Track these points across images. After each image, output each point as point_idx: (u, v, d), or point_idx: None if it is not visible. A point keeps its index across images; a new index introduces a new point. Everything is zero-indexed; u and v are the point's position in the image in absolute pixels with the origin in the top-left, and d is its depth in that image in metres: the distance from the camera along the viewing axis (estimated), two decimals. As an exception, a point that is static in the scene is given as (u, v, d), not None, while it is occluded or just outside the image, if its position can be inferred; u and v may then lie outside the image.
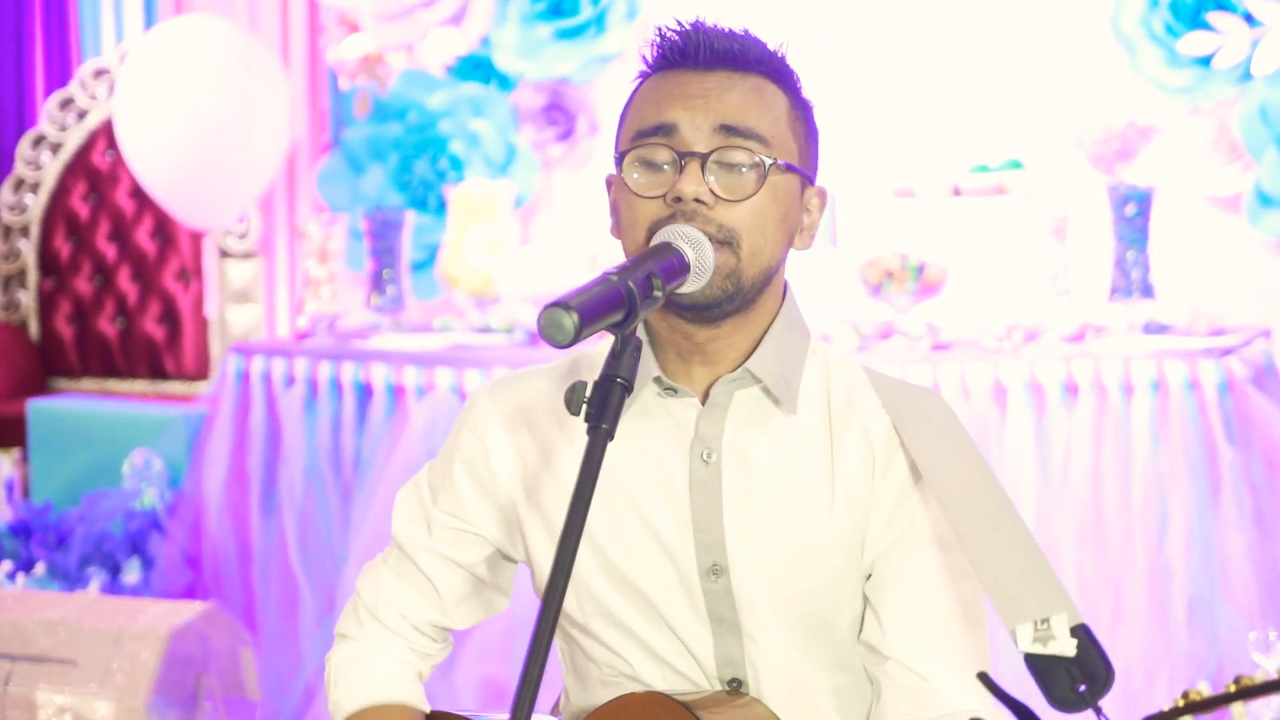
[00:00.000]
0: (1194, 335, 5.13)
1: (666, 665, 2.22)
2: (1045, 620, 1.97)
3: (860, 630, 2.20)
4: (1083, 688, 1.92)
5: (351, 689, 2.35)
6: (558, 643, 2.38)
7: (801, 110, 2.17)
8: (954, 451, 2.16)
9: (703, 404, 2.17)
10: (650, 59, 2.19)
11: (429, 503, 2.35)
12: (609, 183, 2.24)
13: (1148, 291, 5.36)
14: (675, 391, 2.16)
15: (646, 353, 2.15)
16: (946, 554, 2.14)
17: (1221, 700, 1.96)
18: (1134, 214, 5.49)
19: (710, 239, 2.03)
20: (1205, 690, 1.97)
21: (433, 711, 2.38)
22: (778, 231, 2.12)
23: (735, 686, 2.21)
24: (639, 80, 2.22)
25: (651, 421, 2.19)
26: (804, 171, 2.17)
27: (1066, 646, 1.94)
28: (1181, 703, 1.98)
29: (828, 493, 2.17)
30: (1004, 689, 1.91)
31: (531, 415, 2.30)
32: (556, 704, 2.47)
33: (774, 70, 2.15)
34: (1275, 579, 4.81)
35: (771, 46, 2.18)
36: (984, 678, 1.92)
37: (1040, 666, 1.94)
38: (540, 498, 2.26)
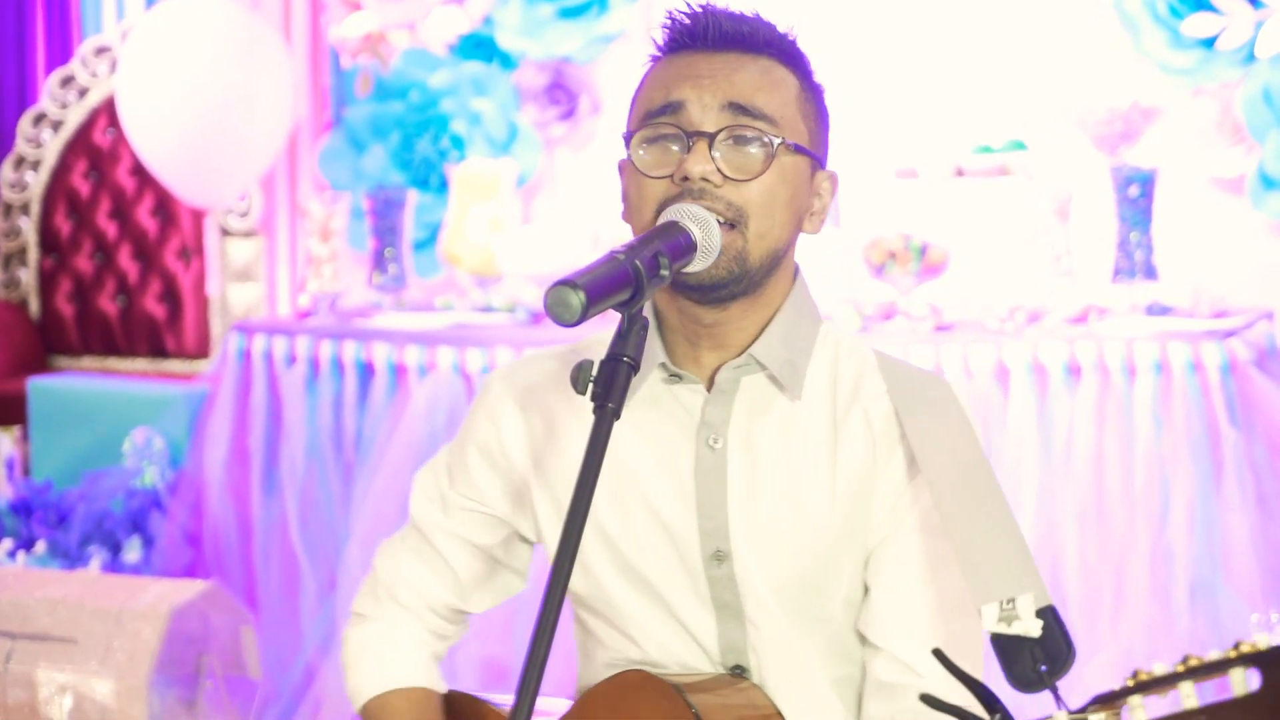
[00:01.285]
0: (1197, 317, 5.16)
1: (671, 650, 2.23)
2: (1011, 600, 1.97)
3: (858, 619, 2.22)
4: (1044, 668, 1.91)
5: (370, 674, 2.36)
6: (575, 626, 2.41)
7: (812, 93, 2.16)
8: (951, 437, 2.16)
9: (709, 390, 2.17)
10: (660, 42, 2.18)
11: (445, 485, 2.35)
12: (621, 168, 2.20)
13: (1151, 273, 5.40)
14: (681, 378, 2.16)
15: (654, 339, 2.15)
16: (938, 542, 2.15)
17: (1170, 680, 1.82)
18: (1137, 195, 5.50)
19: (718, 218, 2.02)
20: (1158, 670, 1.83)
21: (449, 692, 2.40)
22: (786, 213, 2.11)
23: (739, 672, 2.22)
24: (649, 64, 2.21)
25: (658, 408, 2.19)
26: (814, 154, 2.16)
27: (1031, 627, 1.94)
28: (1131, 683, 1.83)
29: (830, 481, 2.17)
30: (958, 667, 1.86)
31: (542, 396, 2.30)
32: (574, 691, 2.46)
33: (784, 53, 2.14)
34: (1277, 561, 4.83)
35: (782, 29, 2.17)
36: (938, 654, 1.86)
37: (1004, 646, 1.94)
38: (550, 477, 2.26)
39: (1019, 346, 4.94)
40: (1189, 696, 1.77)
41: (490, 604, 2.44)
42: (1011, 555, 2.03)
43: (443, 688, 2.41)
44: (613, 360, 1.80)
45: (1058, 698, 1.83)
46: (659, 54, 2.19)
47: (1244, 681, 1.73)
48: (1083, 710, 1.76)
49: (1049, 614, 1.93)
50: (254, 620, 5.00)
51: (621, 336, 1.83)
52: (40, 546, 5.85)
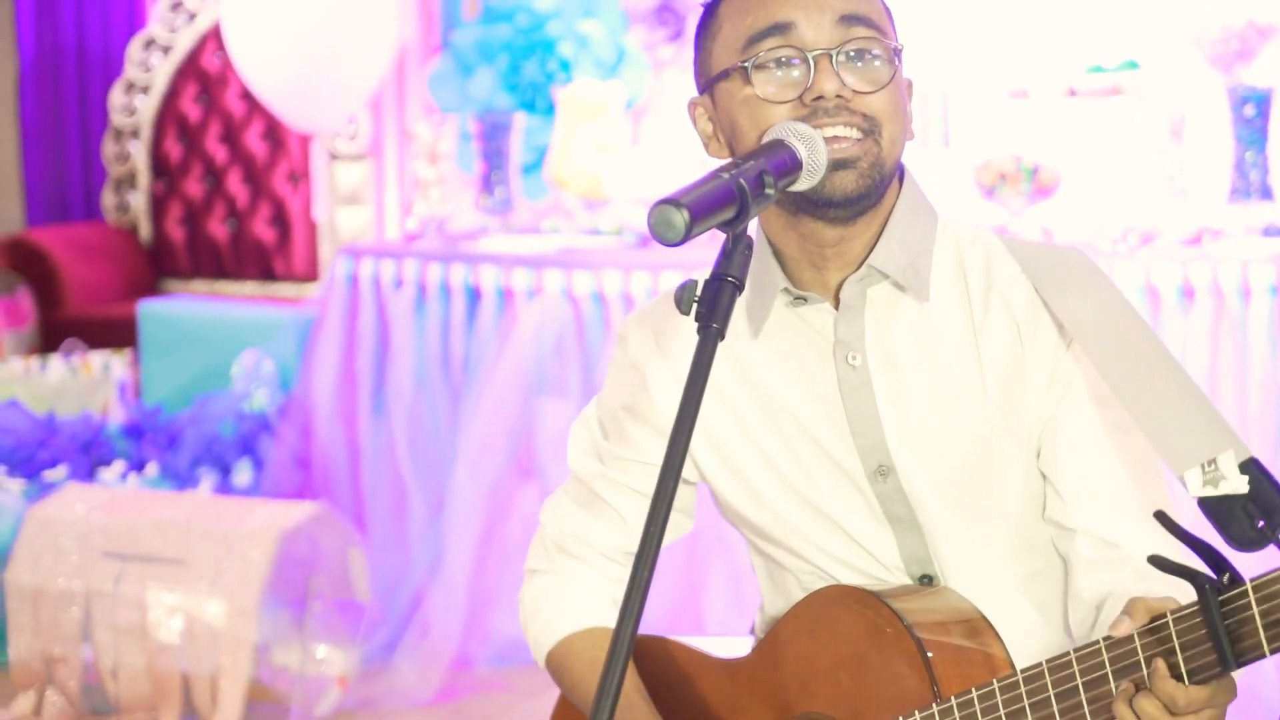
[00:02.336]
0: None
1: (857, 570, 2.21)
2: (1213, 461, 1.91)
3: (1044, 510, 2.17)
4: (1261, 523, 1.86)
5: (548, 624, 2.37)
6: (752, 559, 2.43)
7: (881, 6, 2.16)
8: (1101, 305, 2.14)
9: (836, 309, 2.14)
10: None
11: (599, 437, 2.36)
12: (711, 101, 2.17)
13: (1266, 194, 5.38)
14: (806, 300, 2.13)
15: (773, 266, 2.16)
16: (1110, 411, 2.11)
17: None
18: (1253, 115, 5.43)
19: (856, 131, 1.99)
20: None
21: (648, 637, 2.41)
22: (906, 118, 2.09)
23: (927, 583, 2.21)
24: None
25: (790, 333, 2.18)
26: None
27: (1238, 484, 1.89)
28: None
29: (977, 374, 2.15)
30: (1184, 528, 1.81)
31: (675, 333, 2.29)
32: (751, 628, 2.46)
33: None
34: None
35: None
36: (1161, 516, 1.83)
37: (1215, 509, 1.89)
38: (656, 407, 2.28)
39: (1132, 268, 4.92)
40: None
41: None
42: (1197, 414, 2.00)
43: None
44: (716, 280, 1.74)
45: None
46: None
47: None
48: None
49: (1253, 467, 1.88)
50: (362, 543, 5.20)
51: (726, 256, 1.77)
52: (151, 469, 5.90)
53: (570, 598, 2.38)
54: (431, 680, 5.15)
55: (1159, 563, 1.80)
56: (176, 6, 8.16)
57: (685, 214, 1.68)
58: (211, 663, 4.76)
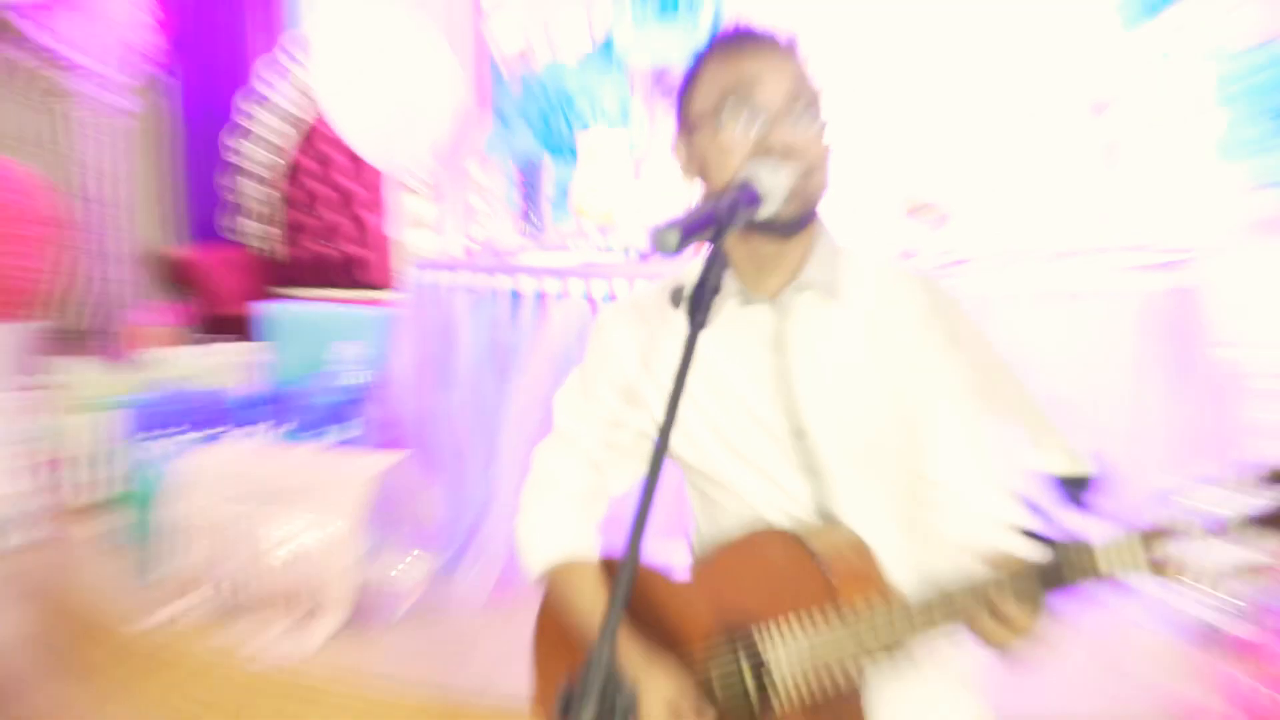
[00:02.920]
0: (1144, 251, 5.28)
1: (777, 508, 2.28)
2: (1052, 445, 2.09)
3: (920, 469, 2.26)
4: (1085, 497, 2.06)
5: (536, 550, 2.40)
6: (688, 492, 2.47)
7: (814, 84, 2.20)
8: (971, 326, 2.26)
9: (772, 309, 2.24)
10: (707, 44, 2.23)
11: (578, 398, 2.44)
12: (686, 144, 2.25)
13: (1119, 221, 5.79)
14: (752, 301, 2.23)
15: (729, 274, 2.23)
16: (968, 399, 2.22)
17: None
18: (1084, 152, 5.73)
19: (802, 171, 2.10)
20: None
21: (603, 559, 2.41)
22: (828, 167, 2.18)
23: (830, 521, 2.27)
24: (694, 64, 2.24)
25: (736, 325, 2.25)
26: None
27: (1072, 466, 2.07)
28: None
29: (875, 364, 2.22)
30: (1029, 503, 2.09)
31: (644, 313, 2.37)
32: (689, 544, 2.51)
33: (796, 49, 2.20)
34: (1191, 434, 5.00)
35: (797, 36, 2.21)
36: (1019, 494, 2.06)
37: (1056, 483, 2.05)
38: (655, 371, 2.35)
39: (1006, 279, 5.03)
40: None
41: (626, 486, 2.46)
42: (1040, 412, 2.17)
43: (596, 555, 2.41)
44: (701, 284, 1.83)
45: (1102, 516, 1.97)
46: (704, 52, 2.24)
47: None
48: (1142, 529, 1.93)
49: (1087, 455, 2.00)
50: (432, 485, 5.47)
51: (709, 265, 1.86)
52: (283, 428, 6.10)
53: (554, 531, 2.41)
54: (483, 589, 5.26)
55: (1017, 530, 2.06)
56: (299, 89, 7.92)
57: (678, 232, 1.81)
58: (325, 571, 4.93)
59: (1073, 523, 2.04)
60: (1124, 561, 1.91)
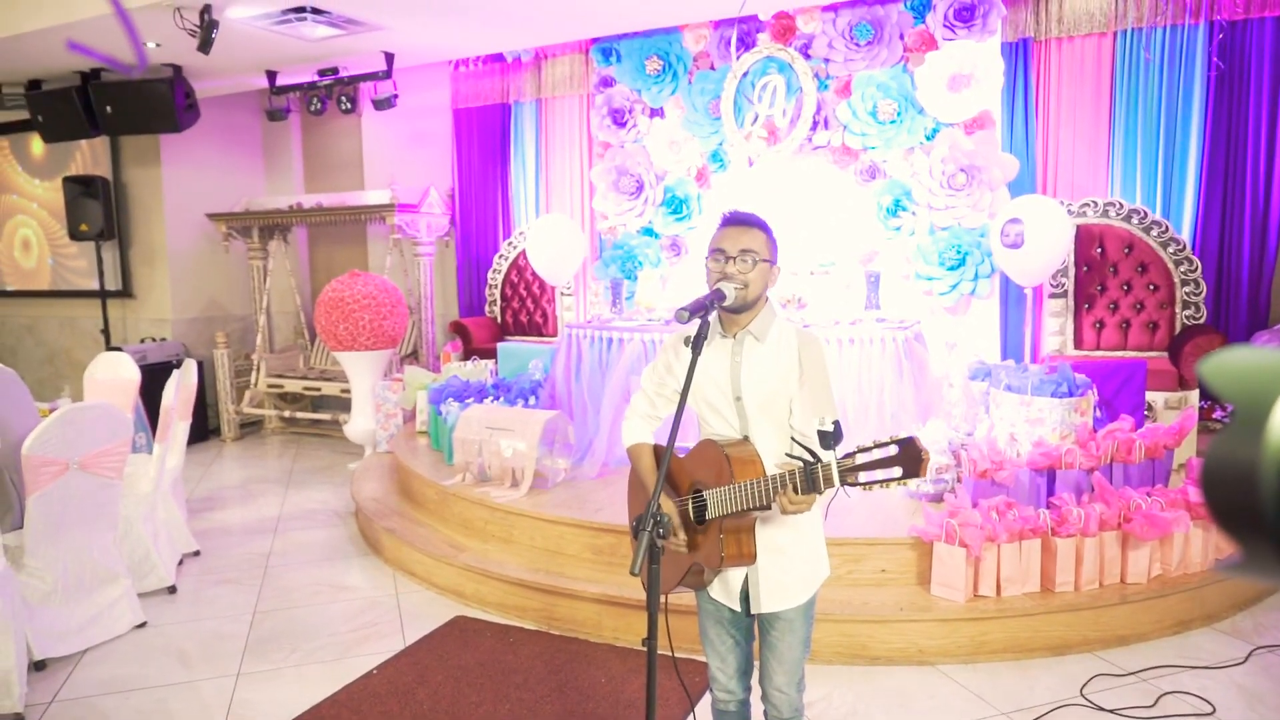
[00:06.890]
0: (891, 323, 5.16)
1: (723, 431, 2.17)
2: (827, 417, 1.92)
3: (790, 419, 2.11)
4: (835, 443, 1.86)
5: (627, 439, 2.31)
6: (698, 419, 2.27)
7: (769, 238, 2.12)
8: (816, 355, 2.11)
9: (734, 342, 2.14)
10: (719, 222, 2.13)
11: (650, 374, 2.31)
12: (707, 264, 2.15)
13: (878, 306, 5.50)
14: (724, 337, 2.15)
15: (717, 324, 2.13)
16: (816, 389, 2.08)
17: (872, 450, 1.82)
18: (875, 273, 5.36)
19: (737, 286, 2.04)
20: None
21: (655, 445, 2.29)
22: (762, 282, 2.10)
23: (744, 439, 2.14)
24: (717, 228, 2.15)
25: (718, 348, 2.15)
26: (771, 261, 2.12)
27: (832, 427, 1.88)
28: (857, 450, 1.84)
29: (780, 373, 2.10)
30: (817, 443, 1.94)
31: (675, 344, 2.27)
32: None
33: (760, 225, 2.11)
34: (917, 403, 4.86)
35: (759, 217, 2.11)
36: (820, 434, 1.91)
37: (822, 435, 1.90)
38: (676, 371, 2.25)
39: (830, 332, 5.00)
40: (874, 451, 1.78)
41: (665, 415, 2.31)
42: (830, 398, 2.03)
43: (652, 441, 2.31)
44: (698, 337, 1.86)
45: (835, 450, 1.83)
46: (721, 225, 2.12)
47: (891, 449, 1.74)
48: (846, 455, 1.84)
49: (837, 423, 1.89)
50: (571, 423, 5.38)
51: (701, 328, 1.88)
52: (502, 400, 5.92)
53: (634, 429, 2.30)
54: (594, 470, 5.24)
55: (802, 451, 1.94)
56: (508, 241, 8.17)
57: (687, 313, 1.84)
58: (520, 463, 4.94)
59: (825, 455, 1.92)
60: (836, 474, 1.84)
